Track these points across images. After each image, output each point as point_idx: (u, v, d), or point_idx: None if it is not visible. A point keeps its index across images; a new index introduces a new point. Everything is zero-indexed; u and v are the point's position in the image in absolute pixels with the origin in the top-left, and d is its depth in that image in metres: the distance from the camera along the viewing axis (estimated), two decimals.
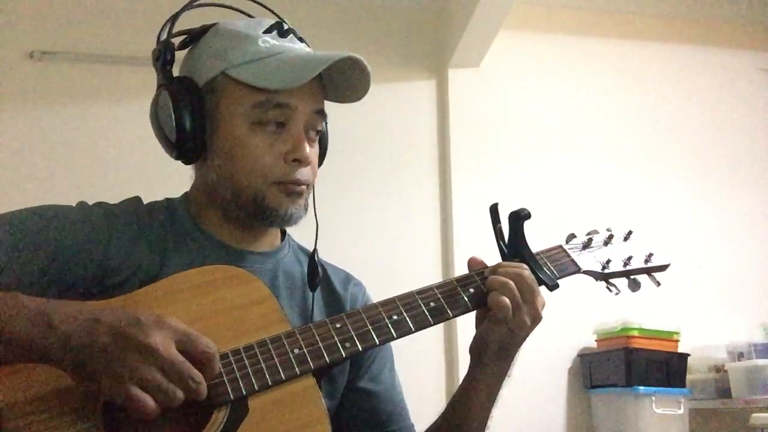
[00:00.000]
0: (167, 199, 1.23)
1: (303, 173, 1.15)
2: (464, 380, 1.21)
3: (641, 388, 3.07)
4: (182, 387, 0.92)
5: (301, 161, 1.14)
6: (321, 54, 1.15)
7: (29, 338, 0.92)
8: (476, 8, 3.18)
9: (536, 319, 1.12)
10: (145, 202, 1.22)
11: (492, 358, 1.17)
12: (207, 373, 0.94)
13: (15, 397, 0.95)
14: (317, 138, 1.20)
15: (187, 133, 1.14)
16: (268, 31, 1.17)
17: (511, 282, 1.10)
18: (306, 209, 1.18)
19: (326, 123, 1.23)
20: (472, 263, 1.18)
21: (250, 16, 1.27)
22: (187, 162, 1.19)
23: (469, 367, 1.20)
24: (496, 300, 1.09)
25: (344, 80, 1.18)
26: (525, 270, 1.12)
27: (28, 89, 3.19)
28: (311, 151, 1.16)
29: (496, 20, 3.28)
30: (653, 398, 3.07)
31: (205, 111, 1.15)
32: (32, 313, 0.93)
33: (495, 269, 1.14)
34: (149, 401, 0.90)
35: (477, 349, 1.18)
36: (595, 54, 3.75)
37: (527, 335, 1.15)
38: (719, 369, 3.28)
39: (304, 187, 1.16)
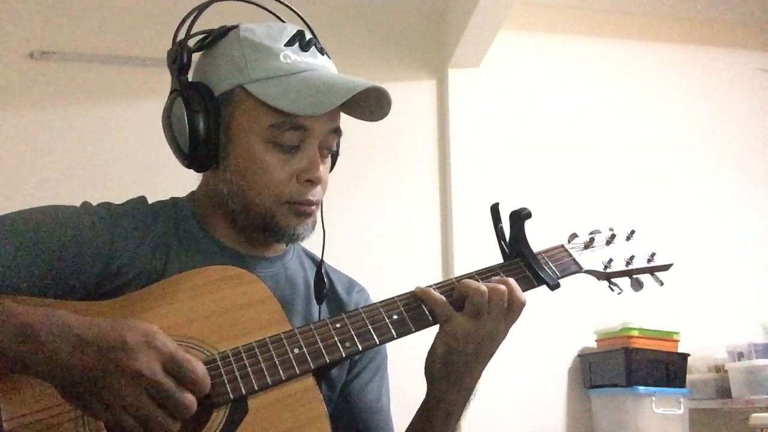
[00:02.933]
0: (173, 199, 1.23)
1: (314, 193, 1.14)
2: (420, 406, 1.18)
3: (641, 388, 3.07)
4: (171, 412, 0.91)
5: (313, 182, 1.13)
6: (342, 81, 1.11)
7: (15, 352, 0.90)
8: (476, 8, 3.18)
9: (493, 335, 1.10)
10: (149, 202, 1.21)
11: (441, 375, 1.12)
12: (195, 394, 0.93)
13: (14, 399, 0.95)
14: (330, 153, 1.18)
15: (200, 145, 1.12)
16: (289, 43, 1.13)
17: (482, 287, 1.09)
18: (314, 227, 1.17)
19: (341, 134, 1.19)
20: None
21: (266, 9, 1.25)
22: (198, 171, 1.18)
23: (426, 393, 1.17)
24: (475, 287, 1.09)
25: (364, 103, 1.15)
26: (503, 287, 1.10)
27: (28, 89, 3.19)
28: (324, 168, 1.15)
29: (496, 20, 3.28)
30: (653, 398, 3.06)
31: (219, 121, 1.13)
32: (16, 324, 0.91)
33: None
34: (137, 428, 0.90)
35: (428, 363, 1.14)
36: (595, 54, 3.75)
37: (478, 352, 1.10)
38: (719, 369, 3.28)
39: (314, 207, 1.15)
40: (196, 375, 0.93)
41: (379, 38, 3.59)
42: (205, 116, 1.12)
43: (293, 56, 1.12)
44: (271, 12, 1.26)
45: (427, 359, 1.14)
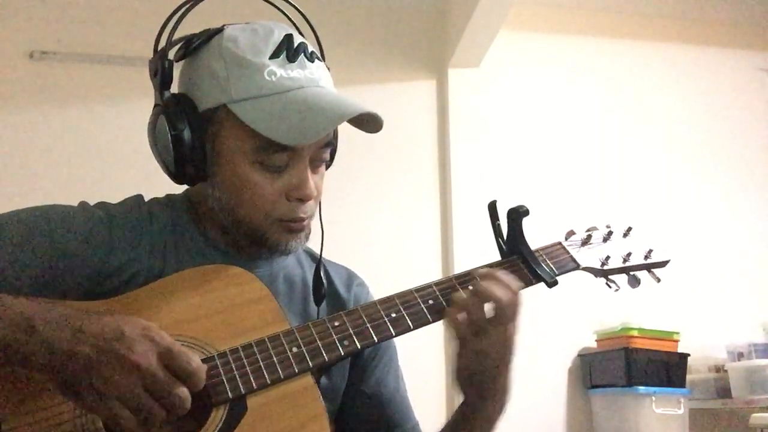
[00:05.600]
0: (168, 197, 1.22)
1: (305, 209, 1.12)
2: (456, 414, 1.18)
3: (641, 388, 3.07)
4: (165, 403, 0.91)
5: (303, 199, 1.11)
6: (329, 105, 1.08)
7: (10, 342, 0.91)
8: (476, 8, 3.18)
9: (509, 344, 1.09)
10: (146, 200, 1.20)
11: (473, 394, 1.12)
12: (190, 387, 0.93)
13: (12, 398, 0.95)
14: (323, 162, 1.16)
15: (186, 163, 1.10)
16: (275, 54, 1.09)
17: (474, 298, 1.07)
18: (308, 237, 1.16)
19: (336, 140, 1.18)
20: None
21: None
22: (188, 185, 1.17)
23: (460, 403, 1.17)
24: (449, 315, 1.08)
25: (355, 118, 1.11)
26: (509, 289, 1.09)
27: (28, 89, 3.19)
28: (316, 179, 1.13)
29: (496, 20, 3.28)
30: (653, 398, 3.07)
31: (205, 138, 1.10)
32: (15, 316, 0.92)
33: (488, 275, 1.11)
34: (130, 418, 0.90)
35: (456, 384, 1.13)
36: (595, 54, 3.75)
37: (499, 363, 1.10)
38: (719, 369, 3.28)
39: (306, 222, 1.13)
40: (191, 367, 0.93)
41: (379, 38, 3.59)
42: (189, 135, 1.09)
43: (279, 71, 1.08)
44: (270, 2, 1.23)
45: (456, 378, 1.12)
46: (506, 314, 1.07)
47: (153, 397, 0.90)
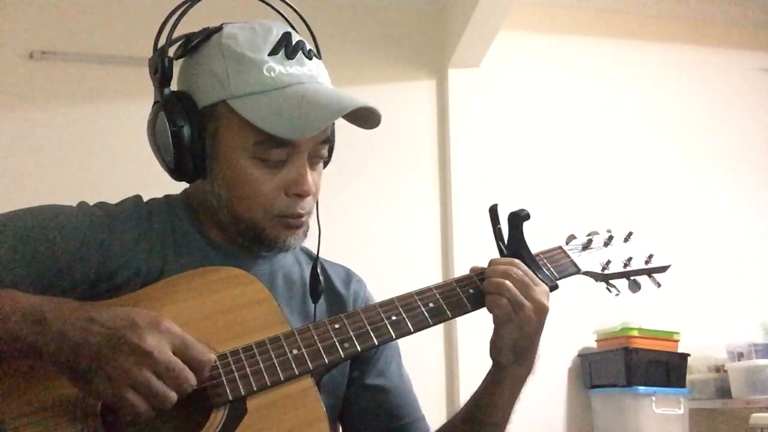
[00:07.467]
0: (167, 197, 1.22)
1: (304, 205, 1.13)
2: (486, 380, 1.18)
3: (641, 388, 3.08)
4: (176, 390, 0.93)
5: (302, 195, 1.12)
6: (327, 99, 1.09)
7: (23, 335, 0.92)
8: (476, 8, 3.19)
9: (541, 310, 1.11)
10: (144, 200, 1.20)
11: (510, 360, 1.14)
12: (200, 377, 0.95)
13: (13, 398, 0.96)
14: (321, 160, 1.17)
15: (185, 160, 1.10)
16: (273, 51, 1.10)
17: (506, 282, 1.10)
18: (306, 234, 1.16)
19: (333, 137, 1.18)
20: (474, 272, 1.17)
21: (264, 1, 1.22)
22: (188, 182, 1.17)
23: (491, 370, 1.18)
24: (493, 302, 1.10)
25: (354, 112, 1.11)
26: (515, 266, 1.12)
27: (28, 89, 3.19)
28: (314, 175, 1.13)
29: (496, 20, 3.28)
30: (653, 398, 3.07)
31: (204, 134, 1.11)
32: (27, 310, 0.93)
33: (489, 271, 1.13)
34: (142, 405, 0.91)
35: (494, 354, 1.15)
36: (595, 54, 3.75)
37: (537, 330, 1.13)
38: (719, 369, 3.28)
39: (304, 218, 1.14)
40: (206, 358, 0.95)
41: (379, 38, 3.59)
42: (188, 131, 1.10)
43: (278, 68, 1.09)
44: (267, 3, 1.23)
45: (494, 352, 1.14)
46: (525, 282, 1.11)
47: (165, 384, 0.92)
